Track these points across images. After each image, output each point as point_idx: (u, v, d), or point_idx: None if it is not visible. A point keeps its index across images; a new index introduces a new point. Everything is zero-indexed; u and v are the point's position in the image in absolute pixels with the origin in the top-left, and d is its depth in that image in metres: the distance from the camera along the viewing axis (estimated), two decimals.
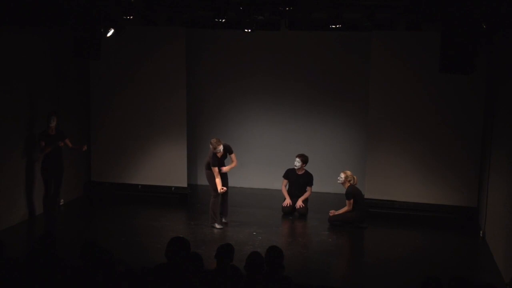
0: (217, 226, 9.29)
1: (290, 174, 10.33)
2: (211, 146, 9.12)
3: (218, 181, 9.13)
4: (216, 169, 9.14)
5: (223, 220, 9.51)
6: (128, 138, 11.05)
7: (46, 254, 5.47)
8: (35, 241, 5.62)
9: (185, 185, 10.90)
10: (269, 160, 11.66)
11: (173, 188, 11.00)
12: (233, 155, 9.37)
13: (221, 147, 9.12)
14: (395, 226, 9.77)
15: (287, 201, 10.19)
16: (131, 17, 8.66)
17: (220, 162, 9.25)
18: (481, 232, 9.17)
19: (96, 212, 10.35)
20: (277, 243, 6.32)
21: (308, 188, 10.25)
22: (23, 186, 9.41)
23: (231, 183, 11.52)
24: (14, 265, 5.20)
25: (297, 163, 10.16)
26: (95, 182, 11.24)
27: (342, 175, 9.63)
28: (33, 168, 9.58)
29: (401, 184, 10.16)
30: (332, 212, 9.69)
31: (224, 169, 9.27)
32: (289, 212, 10.17)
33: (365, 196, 10.12)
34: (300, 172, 10.25)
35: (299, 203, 10.11)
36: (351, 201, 9.51)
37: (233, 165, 9.39)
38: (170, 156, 10.88)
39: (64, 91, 10.39)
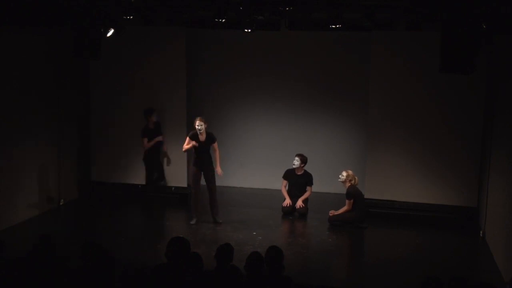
0: (191, 221, 9.39)
1: (289, 175, 10.33)
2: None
3: (185, 145, 9.32)
4: (191, 141, 9.26)
5: (219, 221, 9.50)
6: (128, 138, 11.04)
7: (46, 254, 5.47)
8: (35, 241, 5.62)
9: (185, 185, 10.89)
10: (269, 160, 11.65)
11: (173, 188, 10.99)
12: (215, 144, 9.40)
13: (200, 124, 9.18)
14: (395, 226, 9.77)
15: (287, 201, 10.18)
16: (131, 17, 8.66)
17: (201, 145, 9.27)
18: (481, 232, 9.17)
19: (96, 212, 10.35)
20: (277, 243, 6.30)
21: (308, 188, 10.25)
22: (23, 186, 9.41)
23: (231, 183, 11.53)
24: (14, 265, 5.21)
25: (296, 161, 10.15)
26: (95, 182, 11.24)
27: (344, 173, 9.63)
28: (33, 168, 9.59)
29: (401, 184, 10.15)
30: (332, 212, 9.69)
31: (219, 172, 9.39)
32: (289, 212, 10.17)
33: (365, 196, 10.11)
34: (299, 172, 10.24)
35: (299, 203, 10.11)
36: (351, 201, 9.52)
37: (217, 156, 9.43)
38: (170, 156, 10.88)
39: (64, 91, 10.38)
